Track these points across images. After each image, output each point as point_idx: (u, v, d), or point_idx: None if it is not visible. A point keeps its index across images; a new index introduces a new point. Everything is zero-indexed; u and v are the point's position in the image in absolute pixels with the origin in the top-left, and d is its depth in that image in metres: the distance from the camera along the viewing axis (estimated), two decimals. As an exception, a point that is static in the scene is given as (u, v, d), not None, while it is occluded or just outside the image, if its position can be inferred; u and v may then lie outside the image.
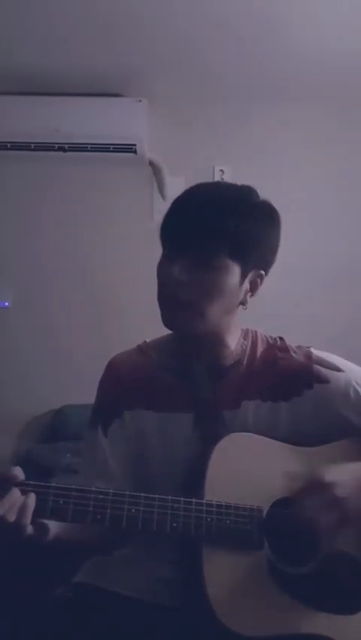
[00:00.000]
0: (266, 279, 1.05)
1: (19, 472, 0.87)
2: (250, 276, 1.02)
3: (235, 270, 0.99)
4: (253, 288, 1.04)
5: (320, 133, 2.69)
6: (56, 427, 2.57)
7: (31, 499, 0.85)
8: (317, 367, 1.07)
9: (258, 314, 1.12)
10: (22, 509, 0.84)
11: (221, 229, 0.96)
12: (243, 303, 1.03)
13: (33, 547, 0.91)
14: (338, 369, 1.08)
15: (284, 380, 1.06)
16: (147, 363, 1.11)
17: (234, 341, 1.08)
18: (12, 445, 2.59)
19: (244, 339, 1.10)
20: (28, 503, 0.85)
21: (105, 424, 1.08)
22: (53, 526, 0.92)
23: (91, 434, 1.10)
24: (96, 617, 0.97)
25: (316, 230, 2.67)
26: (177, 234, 0.99)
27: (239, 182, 1.07)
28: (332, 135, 2.70)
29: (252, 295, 1.04)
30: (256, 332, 1.14)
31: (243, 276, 1.01)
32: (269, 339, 1.13)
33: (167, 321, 1.01)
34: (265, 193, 1.04)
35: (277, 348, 1.10)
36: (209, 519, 0.89)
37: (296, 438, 1.03)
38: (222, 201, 0.99)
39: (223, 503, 0.91)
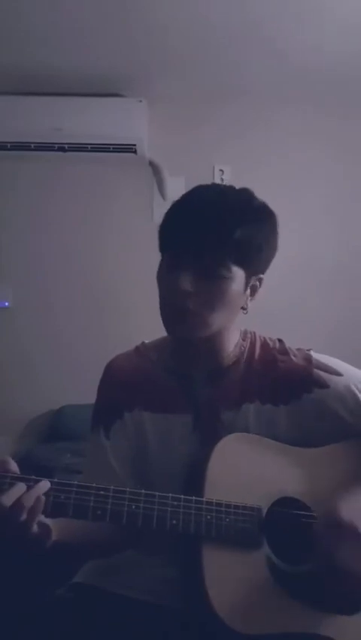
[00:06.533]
0: (265, 280, 1.05)
1: (9, 462, 0.86)
2: (251, 280, 1.01)
3: (240, 277, 0.98)
4: (253, 292, 1.03)
5: (319, 133, 2.70)
6: (56, 427, 2.57)
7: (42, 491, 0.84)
8: (316, 372, 1.06)
9: (257, 315, 1.12)
10: (33, 505, 0.83)
11: (227, 237, 0.94)
12: (244, 307, 1.03)
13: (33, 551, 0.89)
14: (338, 374, 1.07)
15: (284, 383, 1.05)
16: (145, 365, 1.10)
17: (233, 342, 1.07)
18: (12, 445, 2.59)
19: (243, 340, 1.09)
20: (40, 499, 0.83)
21: (107, 426, 1.08)
22: (55, 529, 0.90)
23: (93, 437, 1.09)
24: (96, 618, 0.96)
25: (316, 229, 2.67)
26: (180, 243, 0.96)
27: (239, 182, 1.06)
28: (332, 136, 2.70)
29: (252, 299, 1.03)
30: (254, 333, 1.12)
31: (247, 282, 1.00)
32: (268, 341, 1.12)
33: (171, 330, 1.00)
34: (264, 193, 1.03)
35: (276, 350, 1.09)
36: (209, 517, 0.89)
37: (295, 441, 1.02)
38: (226, 208, 0.96)
39: (223, 502, 0.91)
